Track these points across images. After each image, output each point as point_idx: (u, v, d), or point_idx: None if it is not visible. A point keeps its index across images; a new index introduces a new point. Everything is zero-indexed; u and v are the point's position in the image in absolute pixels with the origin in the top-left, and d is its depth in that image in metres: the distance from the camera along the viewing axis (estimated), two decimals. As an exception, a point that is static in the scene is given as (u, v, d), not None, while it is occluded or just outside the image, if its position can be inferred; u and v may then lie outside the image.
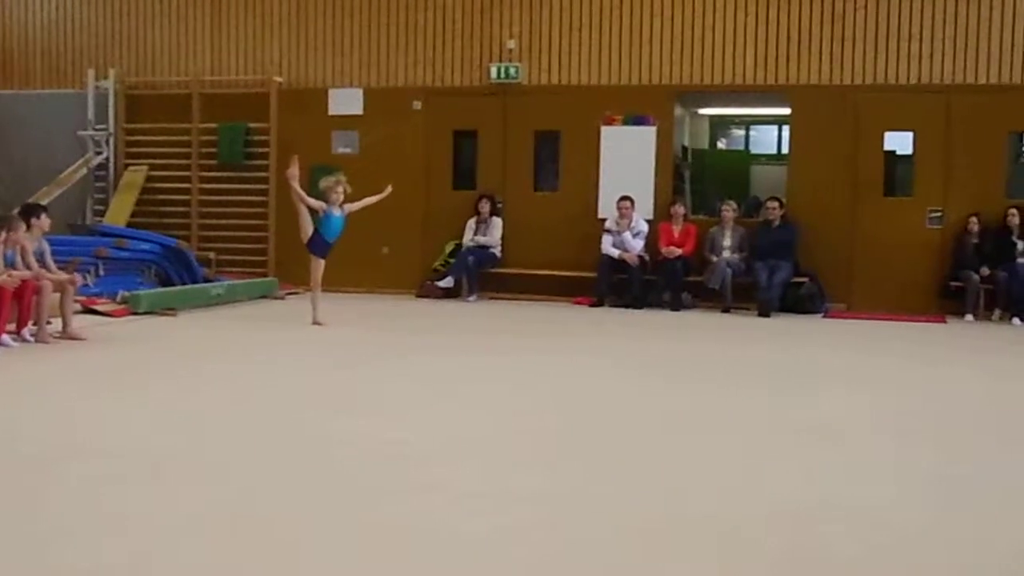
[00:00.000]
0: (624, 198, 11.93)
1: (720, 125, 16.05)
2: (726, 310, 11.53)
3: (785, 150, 13.56)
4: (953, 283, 11.44)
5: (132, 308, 10.05)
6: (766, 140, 15.80)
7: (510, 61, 12.70)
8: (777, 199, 11.98)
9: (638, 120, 12.44)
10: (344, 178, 9.67)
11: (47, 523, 3.74)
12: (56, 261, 8.91)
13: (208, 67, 13.62)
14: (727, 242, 11.89)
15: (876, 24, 11.75)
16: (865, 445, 5.30)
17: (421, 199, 12.94)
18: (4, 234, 8.16)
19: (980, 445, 5.39)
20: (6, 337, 7.92)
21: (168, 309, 10.28)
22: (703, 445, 5.21)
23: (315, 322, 9.56)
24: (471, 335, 9.50)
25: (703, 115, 15.23)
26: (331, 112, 13.23)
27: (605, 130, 12.51)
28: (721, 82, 12.21)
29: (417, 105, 13.02)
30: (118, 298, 10.30)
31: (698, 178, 14.22)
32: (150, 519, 3.80)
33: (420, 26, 12.98)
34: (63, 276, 8.65)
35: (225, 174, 13.46)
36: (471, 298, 12.36)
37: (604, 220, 12.18)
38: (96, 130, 13.68)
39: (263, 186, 13.26)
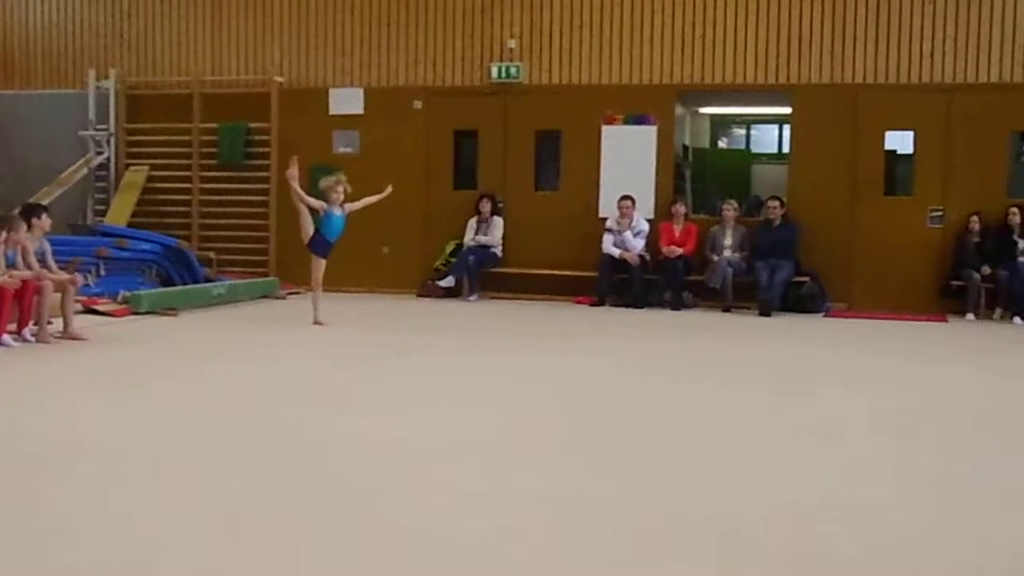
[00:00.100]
0: (625, 197, 11.94)
1: (721, 124, 16.06)
2: (727, 309, 11.53)
3: (786, 149, 13.57)
4: (954, 282, 11.44)
5: (133, 308, 10.05)
6: (767, 139, 15.81)
7: (511, 61, 12.70)
8: (778, 198, 11.98)
9: (639, 119, 12.44)
10: (344, 178, 9.67)
11: (48, 523, 3.74)
12: (57, 261, 8.91)
13: (209, 67, 13.63)
14: (728, 241, 11.88)
15: (877, 23, 11.75)
16: (865, 445, 5.30)
17: (422, 199, 12.95)
18: (5, 234, 8.16)
19: (981, 445, 5.39)
20: (7, 337, 7.93)
21: (169, 309, 10.28)
22: (703, 445, 5.21)
23: (316, 322, 9.56)
24: (472, 335, 9.50)
25: (704, 114, 15.23)
26: (332, 112, 13.24)
27: (606, 129, 12.51)
28: (722, 81, 12.21)
29: (418, 105, 13.03)
30: (119, 298, 10.30)
31: (699, 177, 14.21)
32: (151, 519, 3.81)
33: (421, 25, 12.98)
34: (64, 276, 8.65)
35: (226, 174, 13.46)
36: (472, 298, 12.36)
37: (605, 219, 12.18)
38: (97, 130, 13.69)
39: (264, 186, 13.27)
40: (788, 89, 12.10)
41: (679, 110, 13.03)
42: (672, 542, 3.70)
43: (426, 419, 5.71)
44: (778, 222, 11.80)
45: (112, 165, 13.74)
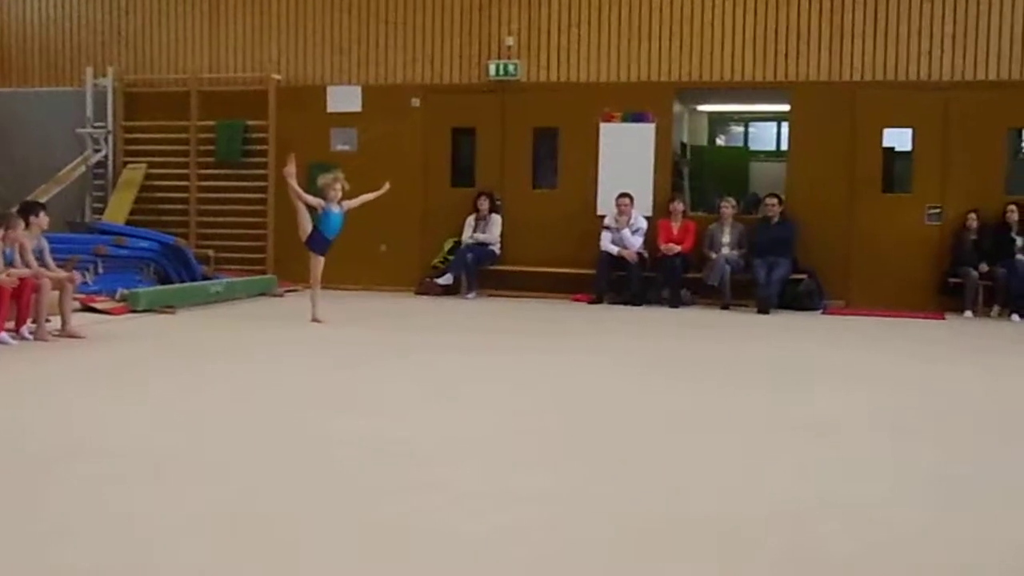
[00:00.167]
0: (623, 195, 11.93)
1: (719, 121, 16.06)
2: (725, 307, 11.53)
3: (784, 147, 13.56)
4: (952, 279, 11.44)
5: (131, 306, 10.05)
6: (765, 136, 15.81)
7: (509, 58, 12.69)
8: (776, 196, 11.98)
9: (637, 117, 12.43)
10: (342, 175, 9.68)
11: (48, 523, 3.74)
12: (55, 259, 8.91)
13: (207, 65, 13.61)
14: (726, 239, 11.89)
15: (875, 20, 11.75)
16: (864, 443, 5.31)
17: (420, 196, 12.94)
18: (3, 232, 8.17)
19: (979, 442, 5.39)
20: (5, 335, 7.93)
21: (167, 307, 10.28)
22: (703, 444, 5.21)
23: (314, 320, 9.56)
24: (470, 333, 9.50)
25: (702, 111, 15.23)
26: (330, 109, 13.23)
27: (604, 127, 12.50)
28: (720, 78, 12.21)
29: (416, 102, 13.01)
30: (117, 296, 10.29)
31: (697, 175, 14.22)
32: (150, 519, 3.81)
33: (418, 23, 12.97)
34: (62, 274, 8.65)
35: (224, 172, 13.45)
36: (470, 295, 12.36)
37: (603, 217, 12.18)
38: (95, 128, 13.68)
39: (262, 183, 13.26)
40: (786, 86, 12.09)
41: (677, 107, 13.03)
42: (672, 542, 3.70)
43: (426, 418, 5.71)
44: (776, 219, 11.80)
45: (110, 163, 13.72)
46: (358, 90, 13.18)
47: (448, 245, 12.82)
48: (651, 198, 12.33)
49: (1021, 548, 3.74)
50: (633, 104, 12.41)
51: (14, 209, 8.87)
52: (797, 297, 11.52)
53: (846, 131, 11.88)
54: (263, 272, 12.94)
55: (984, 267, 11.15)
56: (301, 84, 13.33)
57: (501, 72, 12.68)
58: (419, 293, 12.64)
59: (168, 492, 4.18)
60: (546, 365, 7.62)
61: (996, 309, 11.26)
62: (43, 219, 8.76)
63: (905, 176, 12.29)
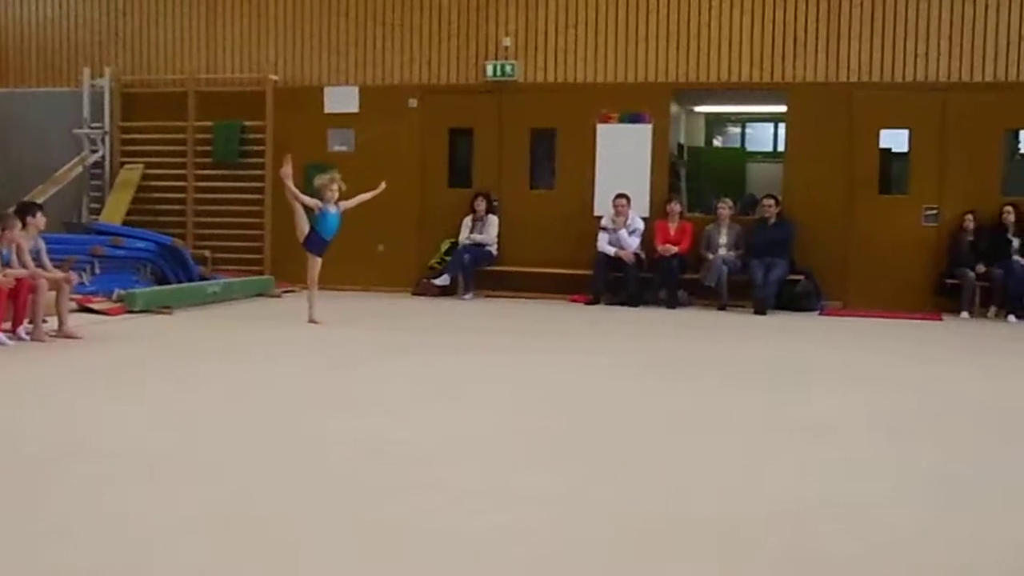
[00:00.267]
0: (620, 196, 11.93)
1: (716, 123, 16.07)
2: (722, 308, 11.53)
3: (781, 148, 13.56)
4: (949, 280, 11.45)
5: (128, 306, 10.03)
6: (762, 137, 15.82)
7: (506, 59, 12.69)
8: (773, 197, 11.98)
9: (634, 118, 12.44)
10: (339, 176, 9.67)
11: (47, 523, 3.74)
12: (52, 259, 8.88)
13: (204, 65, 13.60)
14: (723, 240, 11.89)
15: (872, 22, 11.76)
16: (862, 443, 5.31)
17: (417, 197, 12.94)
18: (0, 232, 8.14)
19: (977, 443, 5.40)
20: (2, 336, 7.91)
21: (164, 307, 10.26)
22: (702, 444, 5.21)
23: (311, 320, 9.55)
24: (468, 334, 9.49)
25: (699, 113, 15.24)
26: (327, 110, 13.22)
27: (601, 128, 12.50)
28: (717, 79, 12.21)
29: (413, 103, 13.01)
30: (114, 296, 10.28)
31: (694, 176, 14.22)
32: (149, 519, 3.80)
33: (416, 24, 12.97)
34: (59, 274, 8.62)
35: (221, 172, 13.45)
36: (467, 296, 12.36)
37: (600, 218, 12.18)
38: (92, 128, 13.67)
39: (259, 184, 13.26)
40: (783, 87, 12.10)
41: (674, 108, 13.03)
42: (672, 542, 3.70)
43: (424, 418, 5.71)
44: (773, 220, 11.81)
45: (107, 163, 13.71)
46: (355, 91, 13.17)
47: (445, 246, 12.81)
48: (648, 199, 12.33)
49: (1021, 548, 3.74)
50: (630, 105, 12.41)
51: (11, 210, 8.84)
52: (794, 298, 11.53)
53: (843, 132, 11.89)
54: (260, 273, 12.93)
55: (981, 268, 11.17)
56: (298, 85, 13.32)
57: (498, 73, 12.68)
58: (416, 294, 12.63)
59: (166, 492, 4.17)
60: (544, 365, 7.62)
61: (993, 310, 11.27)
62: (40, 219, 8.74)
63: (902, 177, 12.30)
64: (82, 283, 10.01)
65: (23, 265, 8.32)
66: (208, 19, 13.60)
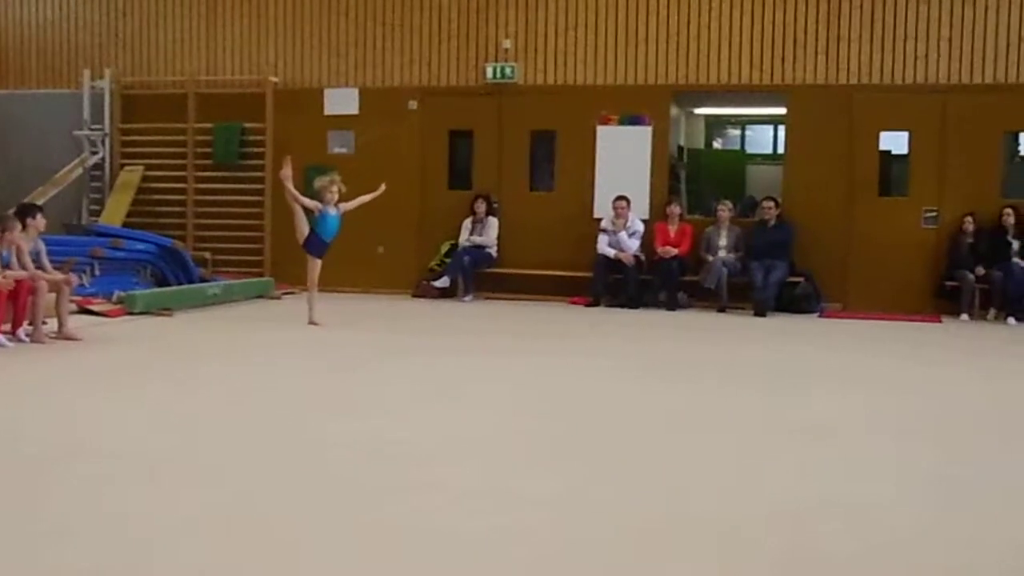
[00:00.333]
0: (620, 198, 11.93)
1: (716, 125, 16.08)
2: (722, 310, 11.53)
3: (781, 150, 13.57)
4: (948, 283, 11.45)
5: (128, 308, 10.03)
6: (762, 140, 15.83)
7: (506, 61, 12.70)
8: (773, 199, 11.98)
9: (634, 120, 12.44)
10: (338, 177, 9.68)
11: (47, 523, 3.74)
12: (52, 261, 8.89)
13: (204, 67, 13.60)
14: (723, 242, 11.89)
15: (872, 24, 11.77)
16: (862, 444, 5.31)
17: (417, 199, 12.95)
18: (0, 234, 8.15)
19: (976, 444, 5.40)
20: (1, 337, 7.91)
21: (164, 309, 10.26)
22: (702, 445, 5.22)
23: (311, 322, 9.55)
24: (468, 335, 9.50)
25: (699, 115, 15.25)
26: (327, 112, 13.23)
27: (601, 130, 12.51)
28: (717, 82, 12.22)
29: (413, 105, 13.02)
30: (114, 298, 10.28)
31: (694, 178, 14.23)
32: (149, 519, 3.80)
33: (416, 26, 12.97)
34: (59, 276, 8.63)
35: (221, 174, 13.45)
36: (467, 298, 12.36)
37: (600, 220, 12.18)
38: (92, 130, 13.67)
39: (259, 186, 13.26)
40: (783, 90, 12.11)
41: (674, 111, 13.04)
42: (672, 542, 3.70)
43: (424, 419, 5.71)
44: (773, 222, 11.81)
45: (107, 165, 13.71)
46: (355, 93, 13.18)
47: (445, 248, 12.81)
48: (648, 201, 12.33)
49: (1021, 548, 3.74)
50: (630, 107, 12.42)
51: (11, 211, 8.85)
52: (794, 300, 11.54)
53: (843, 134, 11.90)
54: (260, 274, 12.93)
55: (980, 270, 11.17)
56: (298, 87, 13.33)
57: (498, 75, 12.69)
58: (416, 296, 12.64)
59: (166, 493, 4.17)
60: (544, 367, 7.62)
61: (992, 312, 11.27)
62: (40, 221, 8.74)
63: (902, 179, 12.30)
64: (82, 285, 10.00)
65: (23, 267, 8.32)
66: (208, 21, 13.61)
